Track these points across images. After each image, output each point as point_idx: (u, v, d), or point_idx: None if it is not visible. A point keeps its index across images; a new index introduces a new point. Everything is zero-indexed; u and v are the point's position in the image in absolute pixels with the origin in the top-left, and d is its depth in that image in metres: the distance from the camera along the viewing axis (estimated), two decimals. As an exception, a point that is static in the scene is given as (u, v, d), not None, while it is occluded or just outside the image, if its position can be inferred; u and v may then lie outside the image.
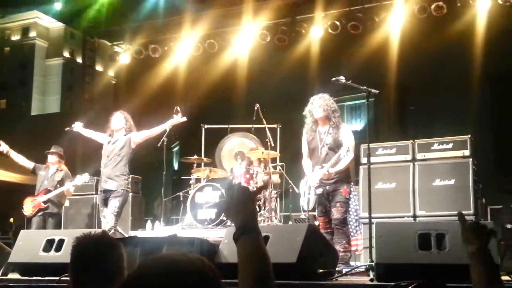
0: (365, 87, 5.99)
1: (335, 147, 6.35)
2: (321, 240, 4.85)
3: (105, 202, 7.27)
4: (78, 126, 7.91)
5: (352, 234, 6.43)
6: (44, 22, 58.60)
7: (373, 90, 5.99)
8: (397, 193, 7.46)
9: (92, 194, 9.74)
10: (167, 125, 7.69)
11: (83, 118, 8.83)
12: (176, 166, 16.71)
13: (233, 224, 1.83)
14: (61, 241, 5.19)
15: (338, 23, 11.13)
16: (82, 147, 12.28)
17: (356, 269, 5.12)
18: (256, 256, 1.66)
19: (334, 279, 4.59)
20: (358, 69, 10.74)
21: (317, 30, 11.46)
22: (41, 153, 8.80)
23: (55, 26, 56.72)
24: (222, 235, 5.66)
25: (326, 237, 5.65)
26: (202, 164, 9.69)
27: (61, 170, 8.61)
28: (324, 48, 11.91)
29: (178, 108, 8.91)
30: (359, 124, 15.33)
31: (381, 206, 7.10)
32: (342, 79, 6.03)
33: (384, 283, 4.09)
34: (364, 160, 7.64)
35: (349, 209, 6.38)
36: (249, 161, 9.23)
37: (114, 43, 14.28)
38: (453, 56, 11.25)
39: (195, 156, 9.54)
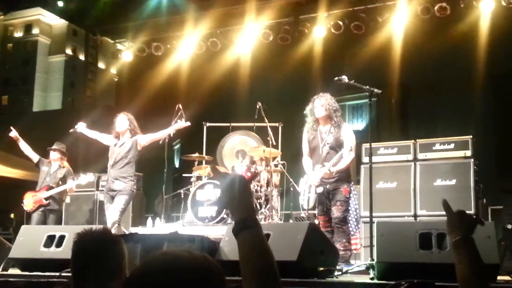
0: (367, 87, 5.99)
1: (336, 146, 6.35)
2: (322, 238, 4.85)
3: (112, 200, 7.31)
4: (81, 127, 7.87)
5: (352, 233, 6.43)
6: (47, 19, 58.62)
7: (375, 90, 5.98)
8: (398, 193, 7.47)
9: (93, 191, 9.76)
10: (171, 130, 7.75)
11: (85, 116, 8.86)
12: (177, 164, 16.73)
13: (233, 222, 1.80)
14: (62, 237, 5.19)
15: (341, 23, 11.13)
16: (84, 145, 12.28)
17: (356, 267, 5.11)
18: (258, 250, 1.63)
19: (334, 277, 4.60)
20: (360, 69, 10.75)
21: (320, 30, 11.47)
22: (43, 150, 8.81)
23: (58, 23, 56.74)
24: (222, 233, 5.66)
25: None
26: (204, 161, 9.70)
27: (63, 167, 8.62)
28: (327, 48, 11.91)
29: (180, 106, 8.95)
30: (360, 124, 15.35)
31: (382, 206, 7.11)
32: (344, 78, 6.02)
33: (384, 281, 4.10)
34: (365, 159, 7.64)
35: (349, 208, 6.38)
36: (252, 160, 9.24)
37: (117, 40, 14.29)
38: (456, 57, 11.25)
39: (197, 154, 9.55)
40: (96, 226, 3.23)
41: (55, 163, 8.62)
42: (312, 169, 6.46)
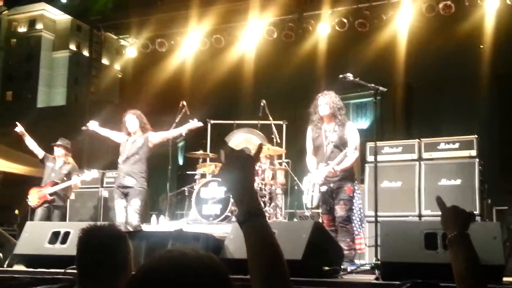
0: (372, 85, 5.98)
1: (340, 145, 6.34)
2: (326, 237, 4.85)
3: (123, 196, 7.40)
4: (93, 125, 7.93)
5: (356, 232, 6.43)
6: (51, 15, 58.71)
7: (381, 88, 5.98)
8: (402, 192, 7.45)
9: (97, 188, 9.77)
10: (183, 129, 7.82)
11: (89, 112, 8.85)
12: (181, 161, 16.71)
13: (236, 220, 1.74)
14: (67, 234, 5.20)
15: (345, 20, 11.11)
16: (89, 142, 12.30)
17: (361, 267, 5.11)
18: (266, 243, 1.60)
19: (339, 277, 4.60)
20: (364, 67, 10.70)
21: (324, 27, 11.44)
22: (48, 146, 8.83)
23: (62, 18, 56.84)
24: (227, 231, 5.67)
25: (331, 235, 5.65)
26: (208, 159, 9.69)
27: (68, 163, 8.64)
28: (331, 46, 11.89)
29: (184, 103, 8.95)
30: (364, 122, 15.32)
31: (387, 205, 7.08)
32: (349, 76, 6.02)
33: (389, 282, 4.09)
34: (370, 158, 7.62)
35: (353, 207, 6.37)
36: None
37: (121, 36, 14.28)
38: (461, 56, 11.21)
39: (201, 151, 9.55)
40: (101, 222, 3.23)
41: (59, 159, 8.64)
42: (316, 167, 6.45)
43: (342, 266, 4.93)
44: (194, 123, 7.74)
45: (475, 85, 11.09)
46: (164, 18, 12.97)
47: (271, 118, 9.08)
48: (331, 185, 6.30)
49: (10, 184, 12.07)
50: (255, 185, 8.32)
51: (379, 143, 7.48)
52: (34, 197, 8.42)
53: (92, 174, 8.43)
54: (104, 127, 7.96)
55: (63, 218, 8.68)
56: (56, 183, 8.40)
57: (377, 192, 5.78)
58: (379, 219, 5.45)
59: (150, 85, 13.43)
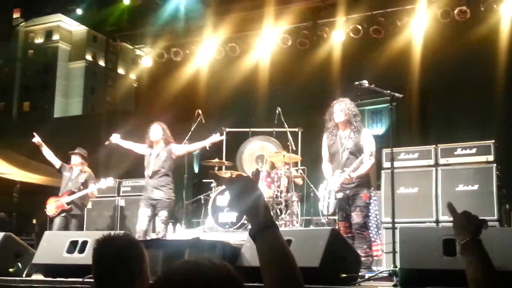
0: (388, 91, 5.96)
1: (356, 151, 6.34)
2: (344, 244, 4.83)
3: (150, 206, 7.59)
4: (116, 138, 8.09)
5: (372, 239, 6.39)
6: (67, 26, 59.26)
7: (396, 94, 5.96)
8: (419, 198, 7.39)
9: (114, 196, 9.81)
10: (207, 143, 7.96)
11: (105, 122, 8.88)
12: (196, 169, 16.74)
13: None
14: (85, 243, 5.24)
15: (359, 27, 11.09)
16: (105, 151, 12.37)
17: (379, 274, 5.08)
18: (279, 254, 1.60)
19: (357, 284, 4.57)
20: (380, 73, 10.64)
21: (338, 34, 11.43)
22: (65, 155, 8.90)
23: (78, 29, 57.33)
24: (243, 239, 5.67)
25: (348, 242, 5.62)
26: (223, 167, 9.71)
27: (84, 172, 8.71)
28: (346, 53, 11.86)
29: (200, 111, 8.99)
30: (380, 129, 15.23)
31: (403, 211, 7.01)
32: (365, 83, 6.00)
33: (408, 288, 4.07)
34: (386, 164, 7.58)
35: (369, 213, 6.35)
36: (272, 165, 9.23)
37: (136, 46, 14.37)
38: (477, 61, 11.11)
39: (216, 159, 9.57)
40: (116, 232, 3.24)
41: (76, 168, 8.72)
42: (332, 174, 6.45)
43: (359, 273, 4.90)
44: (217, 137, 7.93)
45: (491, 90, 10.98)
46: (179, 27, 13.04)
47: (286, 126, 9.08)
48: (347, 191, 6.29)
49: (28, 194, 12.16)
50: (271, 192, 8.33)
51: (395, 149, 7.43)
52: (51, 206, 8.49)
53: (108, 182, 8.53)
54: (121, 136, 8.04)
55: (80, 227, 8.74)
56: (73, 192, 8.47)
57: (394, 199, 5.73)
58: (396, 225, 5.41)
59: (166, 94, 13.47)
